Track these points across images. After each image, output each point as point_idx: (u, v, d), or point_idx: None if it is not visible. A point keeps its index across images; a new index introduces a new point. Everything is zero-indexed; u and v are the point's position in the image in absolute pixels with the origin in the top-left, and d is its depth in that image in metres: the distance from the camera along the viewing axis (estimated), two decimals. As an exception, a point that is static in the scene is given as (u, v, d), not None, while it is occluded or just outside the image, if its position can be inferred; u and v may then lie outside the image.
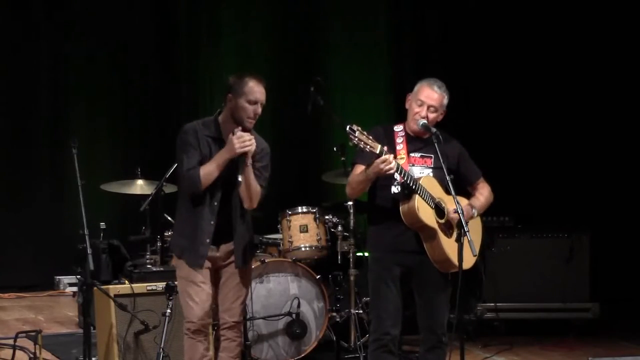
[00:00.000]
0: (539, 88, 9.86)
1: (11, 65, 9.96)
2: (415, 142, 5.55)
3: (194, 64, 10.34)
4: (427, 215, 5.39)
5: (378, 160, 5.22)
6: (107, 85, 10.20)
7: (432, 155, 5.52)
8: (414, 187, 5.35)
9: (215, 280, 5.63)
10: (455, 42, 10.34)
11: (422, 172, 5.50)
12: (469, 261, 5.38)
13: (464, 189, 5.67)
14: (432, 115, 5.50)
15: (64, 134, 9.73)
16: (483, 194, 5.66)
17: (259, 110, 5.48)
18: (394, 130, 5.57)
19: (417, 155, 5.54)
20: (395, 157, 5.36)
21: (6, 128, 9.97)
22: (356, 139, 5.16)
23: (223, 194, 5.49)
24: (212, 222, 5.47)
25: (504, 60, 9.92)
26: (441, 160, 5.41)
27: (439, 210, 5.45)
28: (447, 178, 5.39)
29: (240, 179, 5.40)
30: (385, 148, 5.27)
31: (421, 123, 5.47)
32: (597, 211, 9.25)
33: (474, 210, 5.53)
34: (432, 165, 5.52)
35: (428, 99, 5.49)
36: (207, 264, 5.54)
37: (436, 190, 5.46)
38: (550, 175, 9.71)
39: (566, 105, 9.78)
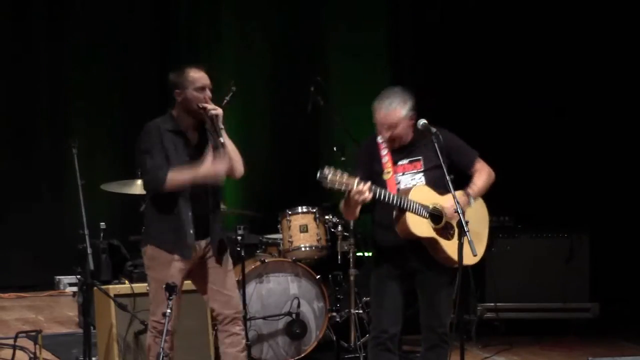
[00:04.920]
0: (539, 88, 9.85)
1: (11, 65, 9.95)
2: (400, 149, 5.49)
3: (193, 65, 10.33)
4: (422, 229, 5.36)
5: (352, 194, 5.19)
6: (107, 85, 10.19)
7: (421, 157, 5.48)
8: (403, 206, 5.32)
9: (201, 280, 5.64)
10: (455, 42, 10.33)
11: (413, 178, 5.47)
12: (471, 257, 5.36)
13: (465, 175, 5.60)
14: (396, 132, 5.40)
15: (64, 134, 9.73)
16: (481, 176, 5.55)
17: (209, 94, 5.53)
18: (377, 142, 5.52)
19: (405, 162, 5.49)
20: (381, 173, 5.38)
21: (6, 128, 9.97)
22: (329, 183, 5.14)
23: (193, 189, 5.46)
24: (190, 214, 5.48)
25: (503, 61, 9.92)
26: (441, 160, 5.37)
27: (435, 216, 5.40)
28: (447, 178, 5.37)
29: (223, 139, 5.41)
30: (358, 180, 5.18)
31: (421, 123, 5.44)
32: (597, 211, 9.25)
33: (470, 198, 5.45)
34: (423, 168, 5.48)
35: (382, 121, 5.41)
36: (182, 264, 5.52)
37: (429, 196, 5.41)
38: (550, 175, 9.71)
39: (566, 105, 9.77)
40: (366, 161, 5.50)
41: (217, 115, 5.45)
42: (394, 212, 5.36)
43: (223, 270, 5.63)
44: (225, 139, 5.46)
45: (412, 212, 5.32)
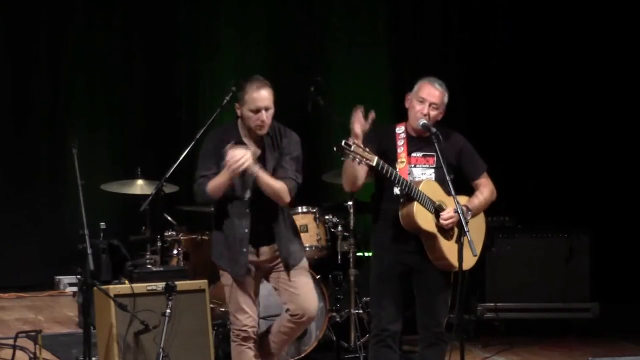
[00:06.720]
0: (540, 88, 9.86)
1: (11, 65, 9.95)
2: (417, 141, 5.55)
3: (194, 65, 10.34)
4: (426, 221, 5.39)
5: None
6: (107, 85, 10.19)
7: (434, 154, 5.51)
8: (412, 194, 5.36)
9: (274, 280, 5.64)
10: (456, 42, 10.33)
11: (424, 172, 5.51)
12: (469, 261, 5.37)
13: (468, 185, 5.64)
14: (433, 113, 5.50)
15: (64, 134, 9.73)
16: (483, 193, 5.61)
17: (264, 117, 5.42)
18: (395, 132, 5.58)
19: (419, 154, 5.54)
20: (394, 162, 5.42)
21: (6, 128, 9.96)
22: (351, 154, 5.18)
23: (254, 199, 5.47)
24: (246, 230, 5.47)
25: (505, 60, 9.92)
26: (442, 161, 5.41)
27: (439, 214, 5.44)
28: (447, 178, 5.39)
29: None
30: (378, 159, 5.28)
31: (421, 123, 5.47)
32: (597, 211, 9.25)
33: (469, 212, 5.48)
34: (435, 165, 5.52)
35: (429, 96, 5.50)
36: (253, 270, 5.55)
37: (437, 194, 5.46)
38: (550, 175, 9.72)
39: (566, 106, 9.78)
40: (376, 144, 5.45)
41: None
42: (401, 200, 5.40)
43: (296, 273, 5.59)
44: (260, 180, 5.39)
45: (419, 202, 5.35)
